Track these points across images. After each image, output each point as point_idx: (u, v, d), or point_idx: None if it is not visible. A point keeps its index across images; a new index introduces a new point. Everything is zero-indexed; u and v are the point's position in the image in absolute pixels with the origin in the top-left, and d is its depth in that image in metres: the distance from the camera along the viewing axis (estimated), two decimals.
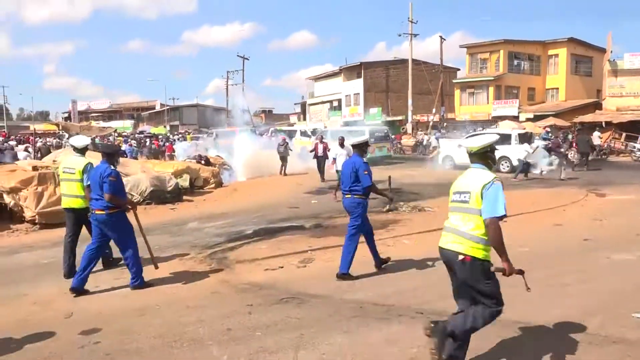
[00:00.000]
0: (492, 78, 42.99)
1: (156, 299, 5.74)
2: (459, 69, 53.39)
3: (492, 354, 4.03)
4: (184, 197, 13.92)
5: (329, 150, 17.24)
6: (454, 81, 47.42)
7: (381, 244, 8.18)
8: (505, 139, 20.06)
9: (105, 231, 6.02)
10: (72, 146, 7.51)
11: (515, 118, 36.88)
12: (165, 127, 61.20)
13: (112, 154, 6.16)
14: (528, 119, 36.89)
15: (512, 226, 9.37)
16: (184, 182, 14.99)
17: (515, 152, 19.08)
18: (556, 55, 43.97)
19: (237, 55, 56.87)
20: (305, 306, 5.29)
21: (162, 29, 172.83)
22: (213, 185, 16.35)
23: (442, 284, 5.91)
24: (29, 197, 10.68)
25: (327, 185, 16.08)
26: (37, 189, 10.83)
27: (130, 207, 6.25)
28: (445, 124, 41.08)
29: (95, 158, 6.88)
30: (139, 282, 6.12)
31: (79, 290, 5.91)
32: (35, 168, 12.11)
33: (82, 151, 6.97)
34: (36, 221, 10.52)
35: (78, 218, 6.75)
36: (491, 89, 43.19)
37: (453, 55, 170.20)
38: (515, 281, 6.01)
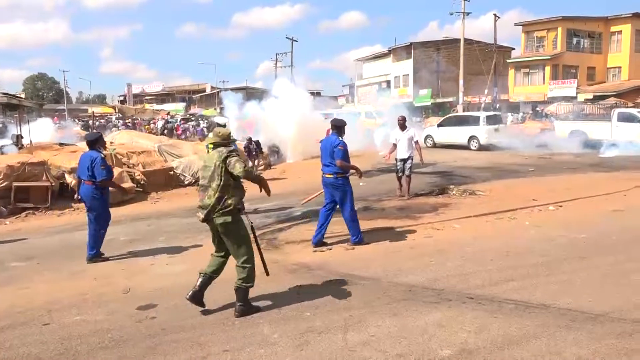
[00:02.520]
0: (549, 57, 41.31)
1: None
2: (513, 48, 51.60)
3: (548, 341, 3.92)
4: None
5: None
6: (508, 61, 45.87)
7: (430, 227, 8.10)
8: (474, 120, 22.70)
9: (333, 192, 7.09)
10: (217, 124, 11.11)
11: (573, 99, 35.33)
12: (215, 109, 62.22)
13: (341, 127, 7.13)
14: (587, 100, 35.28)
15: (568, 212, 9.07)
16: None
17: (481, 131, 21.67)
18: (619, 32, 41.73)
19: (286, 37, 56.87)
20: (354, 288, 5.30)
21: (215, 12, 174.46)
22: (262, 167, 16.57)
23: (493, 270, 5.81)
24: None
25: (376, 167, 15.95)
26: None
27: (356, 171, 7.14)
28: (497, 105, 39.84)
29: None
30: (359, 239, 7.08)
31: (318, 244, 7.09)
32: None
33: (224, 127, 9.13)
34: None
35: None
36: (547, 69, 41.56)
37: (507, 34, 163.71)
38: (574, 266, 5.82)
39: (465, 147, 21.76)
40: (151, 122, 41.93)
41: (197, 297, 4.71)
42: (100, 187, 6.74)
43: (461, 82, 39.66)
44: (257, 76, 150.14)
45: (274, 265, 6.32)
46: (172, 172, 13.68)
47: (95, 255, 6.79)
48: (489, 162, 17.28)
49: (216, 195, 4.53)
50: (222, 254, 4.83)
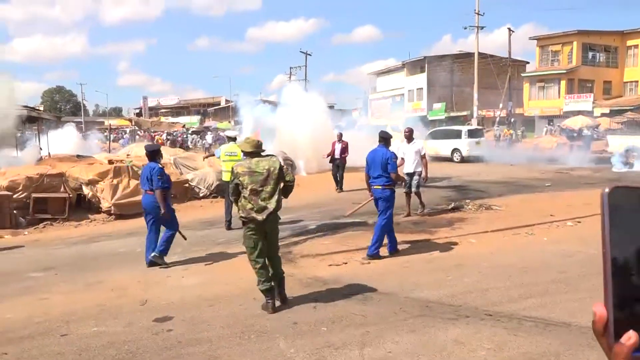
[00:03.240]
0: (564, 71, 41.03)
1: (224, 291, 5.91)
2: (528, 62, 51.36)
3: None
4: None
5: (346, 154, 14.62)
6: (523, 75, 45.63)
7: (447, 241, 8.03)
8: (457, 134, 24.17)
9: (379, 202, 7.21)
10: (227, 137, 10.66)
11: (589, 113, 35.05)
12: (230, 122, 62.64)
13: (387, 139, 7.39)
14: (603, 114, 34.95)
15: (587, 227, 8.91)
16: None
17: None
18: (635, 46, 41.37)
19: (300, 51, 57.10)
20: (370, 303, 5.27)
21: (229, 26, 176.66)
22: None
23: (511, 286, 5.73)
24: (105, 189, 11.29)
25: None
26: (112, 181, 11.42)
27: (403, 181, 7.72)
28: (512, 119, 39.62)
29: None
30: (376, 252, 7.13)
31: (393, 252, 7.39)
32: (110, 162, 12.78)
33: (234, 139, 9.66)
34: (112, 212, 11.11)
35: None
36: (563, 83, 41.26)
37: (521, 48, 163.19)
38: (593, 283, 5.72)
39: (449, 159, 22.99)
40: (153, 133, 42.96)
41: (282, 298, 5.29)
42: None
43: (475, 95, 39.57)
44: (271, 89, 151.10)
45: (289, 279, 6.29)
46: (187, 185, 13.77)
47: (164, 252, 7.00)
48: (504, 176, 17.13)
49: (275, 198, 5.08)
50: (264, 259, 5.25)
